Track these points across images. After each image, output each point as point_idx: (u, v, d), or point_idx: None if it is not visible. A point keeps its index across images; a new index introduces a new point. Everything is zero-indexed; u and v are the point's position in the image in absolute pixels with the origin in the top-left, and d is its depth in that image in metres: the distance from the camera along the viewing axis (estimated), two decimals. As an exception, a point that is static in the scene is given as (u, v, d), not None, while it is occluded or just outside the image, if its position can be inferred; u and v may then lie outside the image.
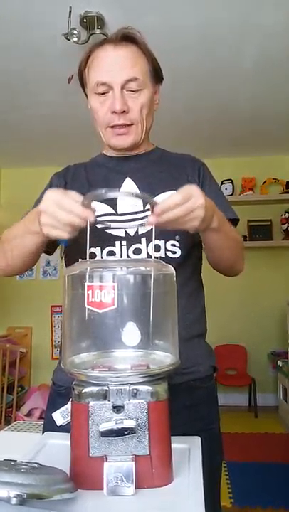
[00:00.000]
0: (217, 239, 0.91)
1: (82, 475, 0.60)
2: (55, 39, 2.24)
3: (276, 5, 2.08)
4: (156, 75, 1.04)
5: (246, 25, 2.23)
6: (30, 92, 2.92)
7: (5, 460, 0.57)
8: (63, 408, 0.88)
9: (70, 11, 2.06)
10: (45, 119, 3.31)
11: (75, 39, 2.15)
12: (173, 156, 1.13)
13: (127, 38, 0.99)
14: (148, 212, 1.02)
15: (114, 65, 0.96)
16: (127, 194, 0.94)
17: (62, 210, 0.73)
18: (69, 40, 2.15)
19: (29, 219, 0.88)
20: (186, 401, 0.93)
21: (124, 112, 0.97)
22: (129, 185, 1.04)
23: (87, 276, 0.66)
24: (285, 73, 2.71)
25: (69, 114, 3.13)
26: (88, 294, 0.65)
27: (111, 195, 0.78)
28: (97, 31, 2.16)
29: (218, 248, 0.96)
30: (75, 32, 2.13)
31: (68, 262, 1.07)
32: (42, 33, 2.26)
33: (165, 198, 0.75)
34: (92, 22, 2.15)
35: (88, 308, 0.64)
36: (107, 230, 1.00)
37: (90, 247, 1.00)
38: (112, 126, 0.99)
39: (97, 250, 0.99)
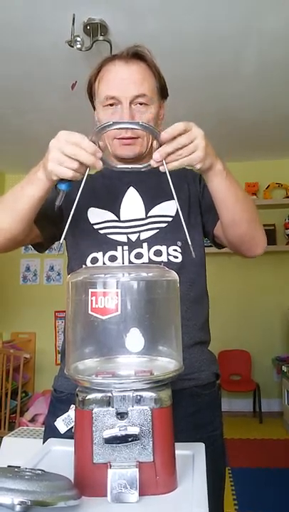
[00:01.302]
0: (226, 186, 0.90)
1: (86, 482, 0.60)
2: (59, 45, 2.26)
3: (278, 10, 2.09)
4: (163, 92, 1.08)
5: (248, 30, 2.24)
6: (33, 98, 2.94)
7: (9, 466, 0.57)
8: (65, 415, 0.88)
9: (74, 18, 2.08)
10: (48, 124, 3.33)
11: (79, 46, 2.17)
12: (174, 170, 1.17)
13: (137, 55, 1.02)
14: (150, 219, 1.04)
15: (124, 80, 0.99)
16: (133, 125, 0.92)
17: (70, 145, 0.77)
18: (72, 47, 2.17)
19: (31, 172, 0.89)
20: (189, 408, 0.94)
21: None
22: (132, 193, 1.07)
23: (90, 282, 0.67)
24: (287, 77, 2.72)
25: (72, 119, 3.14)
26: (92, 300, 0.65)
27: (117, 126, 0.82)
28: (101, 38, 2.17)
29: (229, 200, 0.92)
30: (78, 39, 2.15)
31: (71, 265, 1.09)
32: (45, 39, 2.28)
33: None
34: (95, 29, 2.16)
35: (92, 315, 0.65)
36: (109, 236, 1.03)
37: (92, 252, 1.02)
38: (119, 138, 1.02)
39: (99, 255, 1.01)
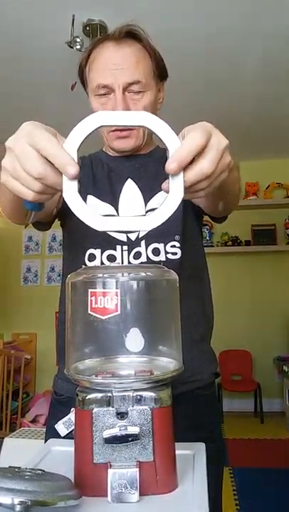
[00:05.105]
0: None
1: (86, 482, 0.60)
2: (58, 46, 2.26)
3: (279, 10, 2.09)
4: (161, 73, 1.02)
5: (249, 31, 2.24)
6: (33, 99, 2.94)
7: (9, 467, 0.57)
8: (65, 419, 0.88)
9: (73, 19, 2.08)
10: (48, 125, 3.33)
11: (78, 47, 2.17)
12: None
13: (130, 35, 0.96)
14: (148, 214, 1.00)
15: (116, 66, 0.92)
16: None
17: (34, 156, 0.52)
18: (72, 48, 2.17)
19: None
20: (189, 409, 0.92)
21: None
22: (130, 186, 1.02)
23: (89, 282, 0.67)
24: (287, 77, 2.72)
25: (72, 120, 3.14)
26: (91, 300, 0.65)
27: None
28: (100, 39, 2.18)
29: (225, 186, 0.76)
30: (77, 40, 2.15)
31: (66, 260, 1.05)
32: (44, 40, 2.28)
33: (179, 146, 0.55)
34: (94, 30, 2.17)
35: (91, 315, 0.65)
36: (109, 233, 0.97)
37: (90, 248, 0.97)
38: (114, 130, 0.97)
39: (97, 252, 0.97)
